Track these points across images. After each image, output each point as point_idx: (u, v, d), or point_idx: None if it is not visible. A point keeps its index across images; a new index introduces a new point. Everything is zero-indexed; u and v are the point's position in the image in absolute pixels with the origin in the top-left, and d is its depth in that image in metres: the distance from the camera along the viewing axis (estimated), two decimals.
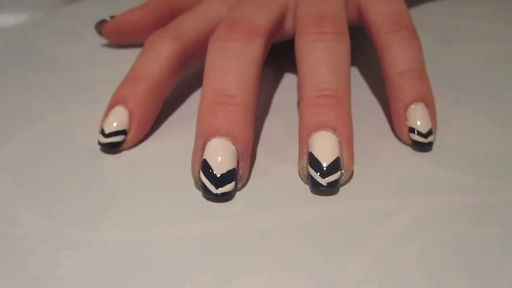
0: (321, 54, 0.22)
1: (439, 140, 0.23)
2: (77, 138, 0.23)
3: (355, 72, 0.29)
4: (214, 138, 0.20)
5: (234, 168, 0.19)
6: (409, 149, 0.22)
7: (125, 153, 0.22)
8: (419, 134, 0.22)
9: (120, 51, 0.32)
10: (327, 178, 0.19)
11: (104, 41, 0.33)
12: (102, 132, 0.22)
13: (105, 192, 0.20)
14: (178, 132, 0.24)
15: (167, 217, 0.19)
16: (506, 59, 0.30)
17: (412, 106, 0.22)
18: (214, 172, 0.19)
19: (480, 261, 0.17)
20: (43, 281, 0.16)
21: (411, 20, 0.24)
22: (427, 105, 0.22)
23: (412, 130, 0.22)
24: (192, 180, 0.20)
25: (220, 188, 0.19)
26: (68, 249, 0.18)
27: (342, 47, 0.22)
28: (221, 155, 0.19)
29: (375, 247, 0.17)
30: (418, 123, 0.22)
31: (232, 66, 0.21)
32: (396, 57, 0.23)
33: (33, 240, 0.18)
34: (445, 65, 0.30)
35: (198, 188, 0.20)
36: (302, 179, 0.21)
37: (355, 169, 0.21)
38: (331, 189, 0.20)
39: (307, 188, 0.20)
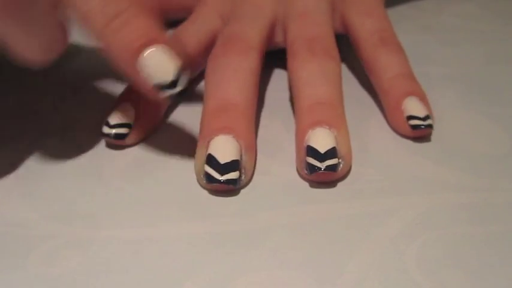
0: (314, 70, 0.23)
1: (438, 139, 0.23)
2: (77, 138, 0.23)
3: (355, 73, 0.29)
4: (217, 136, 0.20)
5: (238, 160, 0.20)
6: (409, 149, 0.22)
7: (125, 152, 0.22)
8: (418, 118, 0.22)
9: None
10: (325, 162, 0.20)
11: None
12: (107, 124, 0.22)
13: (105, 191, 0.20)
14: (178, 132, 0.24)
15: (167, 216, 0.19)
16: (506, 59, 0.30)
17: (406, 99, 0.23)
18: (218, 160, 0.20)
19: (480, 261, 0.17)
20: (43, 280, 0.16)
21: (395, 34, 0.26)
22: (420, 100, 0.23)
23: (410, 118, 0.22)
24: (192, 180, 0.20)
25: (224, 175, 0.19)
26: (68, 248, 0.18)
27: (334, 66, 0.24)
28: (225, 147, 0.20)
29: (375, 246, 0.17)
30: (415, 110, 0.23)
31: (231, 78, 0.22)
32: (386, 65, 0.25)
33: (33, 239, 0.18)
34: (445, 65, 0.30)
35: (201, 180, 0.20)
36: (299, 172, 0.21)
37: (356, 169, 0.21)
38: (330, 172, 0.20)
39: (306, 187, 0.20)
